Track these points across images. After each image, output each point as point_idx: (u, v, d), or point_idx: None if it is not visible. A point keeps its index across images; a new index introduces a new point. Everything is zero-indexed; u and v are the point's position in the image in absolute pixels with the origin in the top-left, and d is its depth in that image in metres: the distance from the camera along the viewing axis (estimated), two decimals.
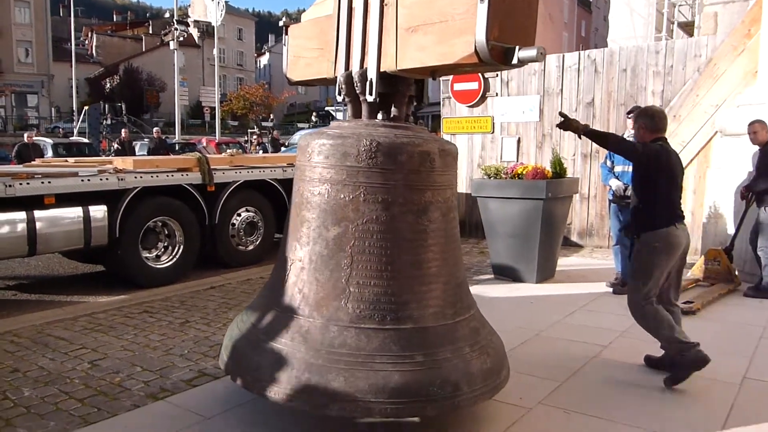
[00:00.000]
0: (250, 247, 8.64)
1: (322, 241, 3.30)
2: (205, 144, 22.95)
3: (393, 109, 3.53)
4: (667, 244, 3.97)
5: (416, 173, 3.27)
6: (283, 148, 26.37)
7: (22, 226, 6.26)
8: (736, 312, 5.89)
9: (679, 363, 3.92)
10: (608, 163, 6.75)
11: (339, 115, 48.69)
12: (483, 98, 10.26)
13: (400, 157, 3.22)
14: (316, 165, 3.37)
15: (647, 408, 3.73)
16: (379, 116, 3.49)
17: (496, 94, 10.25)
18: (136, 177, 7.10)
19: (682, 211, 4.15)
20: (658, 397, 3.88)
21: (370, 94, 3.40)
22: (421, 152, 3.28)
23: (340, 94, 3.59)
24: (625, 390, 3.97)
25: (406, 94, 3.54)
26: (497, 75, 10.23)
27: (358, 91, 3.48)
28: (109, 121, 25.73)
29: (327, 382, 3.04)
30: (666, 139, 4.26)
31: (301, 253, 3.38)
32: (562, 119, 4.24)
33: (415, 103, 3.67)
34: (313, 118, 53.30)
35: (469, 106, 10.49)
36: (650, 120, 4.19)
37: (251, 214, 8.59)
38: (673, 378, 3.96)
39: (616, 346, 4.85)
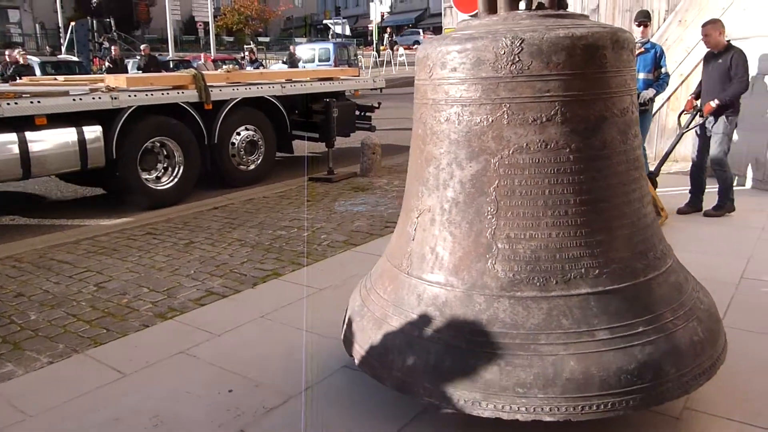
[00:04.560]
0: (252, 167, 8.16)
1: (456, 183, 2.40)
2: (203, 60, 22.41)
3: None
4: None
5: (580, 77, 2.27)
6: (281, 64, 25.83)
7: (13, 148, 5.83)
8: None
9: None
10: None
11: (337, 29, 47.26)
12: None
13: (556, 56, 2.24)
14: (441, 81, 2.43)
15: None
16: (521, 5, 2.52)
17: None
18: (130, 95, 6.60)
19: None
20: None
21: None
22: (585, 47, 2.26)
23: None
24: None
25: None
26: None
27: None
28: (106, 44, 24.74)
29: (475, 372, 2.22)
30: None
31: (430, 200, 2.50)
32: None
33: None
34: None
35: (470, 16, 10.15)
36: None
37: (251, 132, 8.04)
38: None
39: None
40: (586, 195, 2.31)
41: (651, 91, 6.06)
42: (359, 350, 2.60)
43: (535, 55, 2.25)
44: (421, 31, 53.17)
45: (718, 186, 5.66)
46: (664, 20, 7.99)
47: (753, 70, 6.11)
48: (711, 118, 5.56)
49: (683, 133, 6.02)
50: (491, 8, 2.61)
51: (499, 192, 2.32)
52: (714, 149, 5.57)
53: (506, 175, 2.32)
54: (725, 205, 5.65)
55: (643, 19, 6.28)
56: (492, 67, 2.30)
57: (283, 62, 25.29)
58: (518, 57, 2.26)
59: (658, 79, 6.16)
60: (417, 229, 2.56)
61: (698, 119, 5.77)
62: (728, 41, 5.53)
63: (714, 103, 5.44)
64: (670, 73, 6.49)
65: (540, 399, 2.16)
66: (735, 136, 5.82)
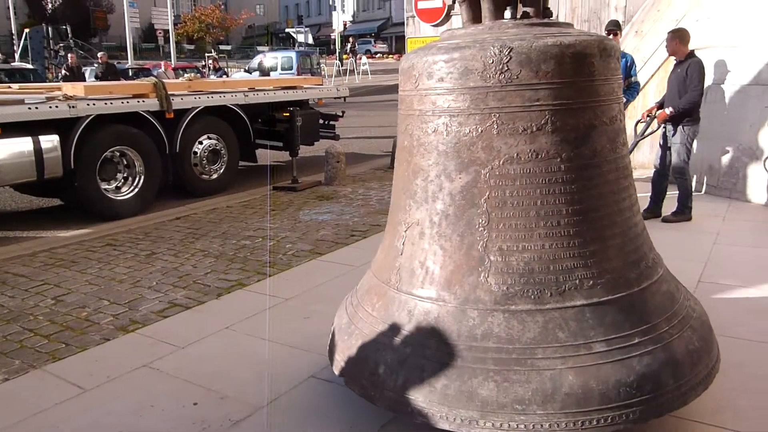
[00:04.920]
0: (214, 176, 8.04)
1: (446, 195, 2.35)
2: (163, 68, 22.07)
3: (524, 5, 2.50)
4: None
5: (570, 86, 2.24)
6: (242, 72, 25.64)
7: None
8: None
9: None
10: None
11: (300, 37, 47.11)
12: (447, 17, 9.75)
13: (545, 65, 2.20)
14: (427, 92, 2.38)
15: None
16: (507, 14, 2.46)
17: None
18: (88, 104, 6.44)
19: None
20: None
21: None
22: (574, 55, 2.23)
23: None
24: None
25: None
26: None
27: None
28: (61, 52, 23.94)
29: (471, 389, 2.15)
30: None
31: (419, 213, 2.43)
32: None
33: None
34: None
35: (433, 25, 9.59)
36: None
37: (213, 141, 7.92)
38: None
39: None
40: (578, 205, 2.27)
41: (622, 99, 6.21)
42: (348, 369, 2.50)
43: (524, 63, 2.21)
44: (372, 40, 53.75)
45: (678, 193, 5.80)
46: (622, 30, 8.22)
47: (707, 80, 6.32)
48: (670, 128, 5.69)
49: (638, 141, 6.15)
50: (475, 18, 2.56)
51: (490, 203, 2.27)
52: (674, 159, 5.66)
53: (497, 186, 2.26)
54: (684, 212, 5.78)
55: (614, 27, 6.37)
56: (480, 76, 2.25)
57: (245, 71, 25.09)
58: (507, 66, 2.22)
59: (629, 88, 6.27)
60: (405, 243, 2.48)
61: (653, 126, 5.94)
62: (692, 51, 5.61)
63: (668, 111, 5.60)
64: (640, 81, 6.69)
65: (539, 415, 2.10)
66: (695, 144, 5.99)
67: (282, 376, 3.06)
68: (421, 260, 2.41)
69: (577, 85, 2.27)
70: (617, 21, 6.66)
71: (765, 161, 6.17)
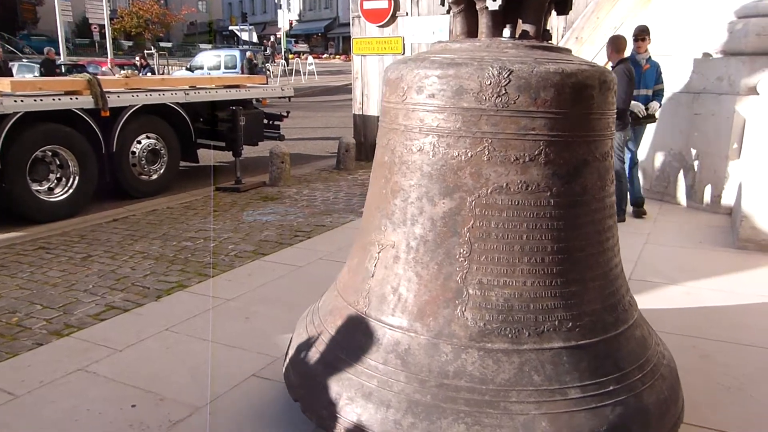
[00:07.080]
0: (154, 176, 7.81)
1: (426, 219, 2.18)
2: (110, 65, 21.00)
3: (524, 24, 2.33)
4: None
5: (567, 117, 2.11)
6: (184, 71, 25.14)
7: None
8: None
9: None
10: None
11: (244, 35, 46.44)
12: (393, 18, 9.38)
13: (545, 92, 2.06)
14: (415, 107, 2.20)
15: None
16: (506, 32, 2.29)
17: (407, 14, 9.46)
18: (16, 101, 6.13)
19: None
20: None
21: None
22: (574, 85, 2.09)
23: (443, 2, 2.41)
24: None
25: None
26: None
27: None
28: None
29: (440, 431, 2.00)
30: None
31: (395, 236, 2.26)
32: None
33: (556, 14, 2.46)
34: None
35: (379, 26, 9.62)
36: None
37: (153, 141, 7.70)
38: None
39: None
40: (564, 243, 2.13)
41: (656, 104, 6.17)
42: (305, 396, 2.32)
43: (522, 89, 2.06)
44: (293, 40, 54.31)
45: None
46: (563, 36, 8.50)
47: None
48: None
49: None
50: (470, 32, 2.39)
51: (473, 234, 2.11)
52: None
53: (482, 216, 2.10)
54: (618, 213, 6.07)
55: (643, 34, 6.19)
56: (475, 97, 2.08)
57: (187, 68, 24.61)
58: (505, 89, 2.06)
59: (657, 94, 6.20)
60: (378, 265, 2.31)
61: None
62: (623, 58, 5.73)
63: None
64: None
65: None
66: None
67: (222, 375, 3.04)
68: (393, 286, 2.24)
69: (574, 117, 2.14)
70: (646, 26, 6.31)
71: (694, 165, 6.52)
